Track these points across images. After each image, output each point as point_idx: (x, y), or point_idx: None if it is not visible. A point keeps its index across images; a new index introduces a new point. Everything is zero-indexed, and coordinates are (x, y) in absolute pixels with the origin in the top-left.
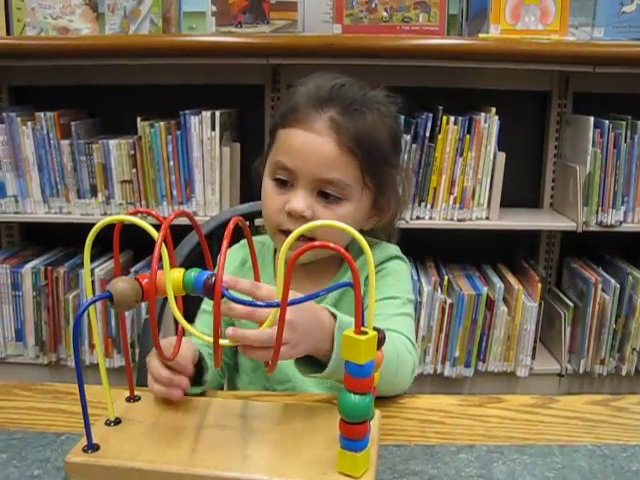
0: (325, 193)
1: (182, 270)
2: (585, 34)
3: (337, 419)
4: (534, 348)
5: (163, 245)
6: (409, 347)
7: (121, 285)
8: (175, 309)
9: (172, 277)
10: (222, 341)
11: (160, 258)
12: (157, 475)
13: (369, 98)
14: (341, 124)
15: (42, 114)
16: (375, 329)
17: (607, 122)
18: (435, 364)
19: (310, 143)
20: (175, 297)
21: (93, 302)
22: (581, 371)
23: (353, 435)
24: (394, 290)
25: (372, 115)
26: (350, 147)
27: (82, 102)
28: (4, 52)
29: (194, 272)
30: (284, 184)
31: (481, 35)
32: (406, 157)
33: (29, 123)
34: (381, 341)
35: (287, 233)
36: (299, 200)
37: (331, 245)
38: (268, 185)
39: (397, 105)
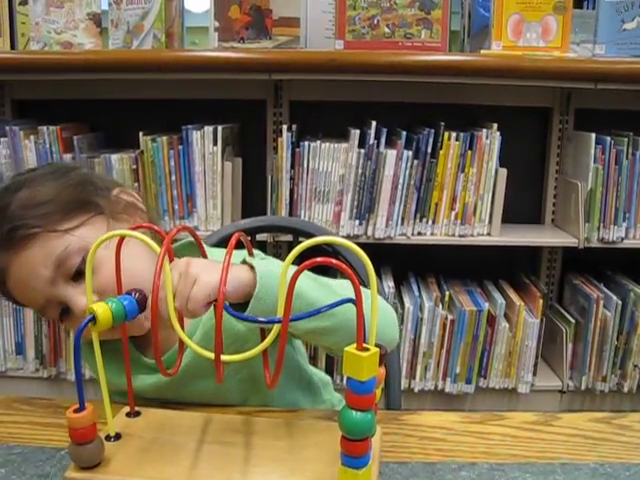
0: (74, 274)
1: (102, 304)
2: (587, 51)
3: (338, 436)
4: (535, 364)
5: (166, 260)
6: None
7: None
8: (176, 324)
9: (101, 313)
10: (224, 357)
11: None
12: None
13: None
14: (7, 239)
15: (45, 128)
16: (377, 345)
17: (608, 139)
18: (436, 380)
19: (18, 278)
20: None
21: (85, 325)
22: (583, 388)
23: (354, 452)
24: None
25: (15, 199)
26: (28, 237)
27: (85, 116)
28: (8, 66)
29: (115, 302)
30: (65, 310)
31: (483, 51)
32: (407, 173)
33: (32, 137)
34: (383, 357)
35: None
36: (79, 301)
37: (333, 262)
38: (65, 325)
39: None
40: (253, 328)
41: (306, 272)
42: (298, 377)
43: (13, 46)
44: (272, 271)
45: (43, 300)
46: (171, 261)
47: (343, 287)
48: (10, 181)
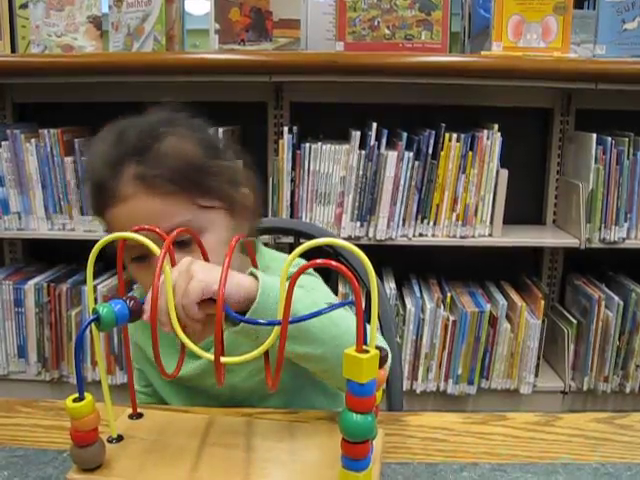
0: (178, 241)
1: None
2: (587, 51)
3: (340, 438)
4: (537, 365)
5: (167, 262)
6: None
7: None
8: (177, 327)
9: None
10: (223, 359)
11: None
12: None
13: (154, 129)
14: (144, 176)
15: (46, 131)
16: (377, 347)
17: (609, 139)
18: (438, 381)
19: (131, 214)
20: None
21: (88, 325)
22: (585, 388)
23: (355, 455)
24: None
25: (166, 142)
26: (165, 190)
27: (85, 119)
28: (8, 69)
29: (106, 307)
30: (143, 257)
31: (483, 52)
32: (408, 174)
33: (33, 140)
34: (383, 360)
35: None
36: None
37: (333, 263)
38: (133, 269)
39: (190, 114)
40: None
41: (307, 293)
42: (323, 383)
43: (14, 49)
44: (275, 286)
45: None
46: (172, 262)
47: (340, 315)
48: (154, 118)
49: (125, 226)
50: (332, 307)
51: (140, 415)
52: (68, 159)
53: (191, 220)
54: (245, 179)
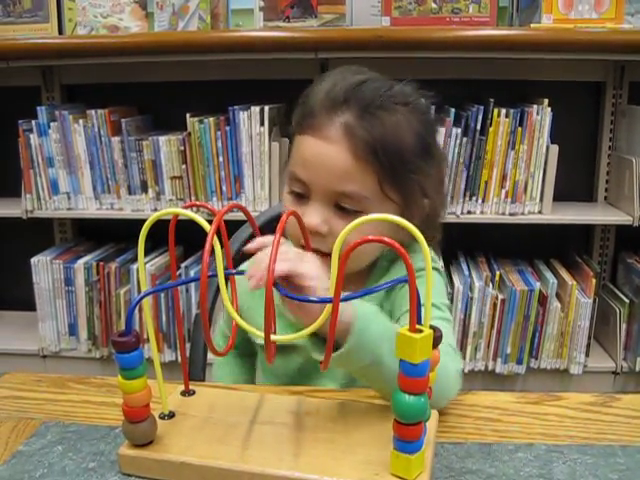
0: (342, 206)
1: None
2: None
3: (392, 419)
4: (588, 345)
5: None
6: (449, 351)
7: None
8: (228, 303)
9: None
10: (274, 336)
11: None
12: (208, 470)
13: (390, 96)
14: (356, 130)
15: (93, 112)
16: (431, 327)
17: None
18: (486, 360)
19: (322, 153)
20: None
21: (143, 297)
22: (637, 369)
23: (407, 436)
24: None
25: (394, 117)
26: (366, 156)
27: (132, 99)
28: (56, 51)
29: None
30: (301, 197)
31: (533, 25)
32: (456, 151)
33: (81, 121)
34: (437, 340)
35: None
36: (312, 215)
37: (386, 240)
38: (286, 199)
39: (429, 99)
40: None
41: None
42: None
43: (61, 31)
44: (370, 329)
45: (304, 175)
46: (223, 238)
47: None
48: (397, 88)
49: (304, 160)
50: (388, 283)
51: (192, 392)
52: (115, 139)
53: (367, 198)
54: (434, 192)
